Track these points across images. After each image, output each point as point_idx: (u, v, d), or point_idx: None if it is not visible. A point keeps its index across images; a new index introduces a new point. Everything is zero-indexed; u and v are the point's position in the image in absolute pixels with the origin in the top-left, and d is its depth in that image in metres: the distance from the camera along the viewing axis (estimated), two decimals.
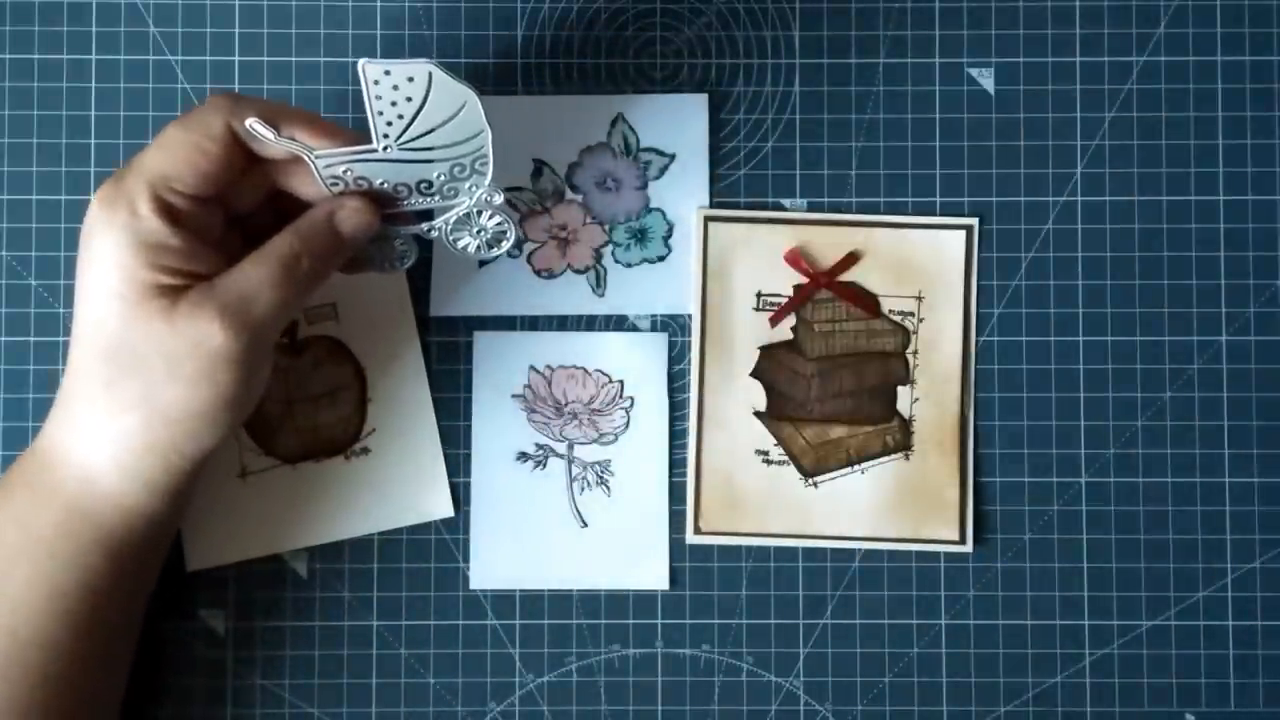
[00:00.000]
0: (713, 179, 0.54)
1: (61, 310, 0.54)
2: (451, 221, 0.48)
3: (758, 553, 0.54)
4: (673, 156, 0.54)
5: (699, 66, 0.55)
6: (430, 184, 0.46)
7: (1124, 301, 0.54)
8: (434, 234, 0.49)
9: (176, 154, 0.44)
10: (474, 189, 0.47)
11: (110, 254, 0.43)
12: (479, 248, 0.49)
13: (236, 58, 0.54)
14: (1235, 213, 0.55)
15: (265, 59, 0.54)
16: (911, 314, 0.54)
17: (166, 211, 0.43)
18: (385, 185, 0.46)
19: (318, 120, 0.45)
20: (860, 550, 0.54)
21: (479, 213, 0.48)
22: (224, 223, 0.46)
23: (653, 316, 0.54)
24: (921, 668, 0.54)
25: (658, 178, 0.54)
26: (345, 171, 0.45)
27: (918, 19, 0.55)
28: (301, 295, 0.45)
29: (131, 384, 0.44)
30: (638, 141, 0.54)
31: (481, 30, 0.55)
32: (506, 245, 0.49)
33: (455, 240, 0.49)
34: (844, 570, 0.54)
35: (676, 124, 0.54)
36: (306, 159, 0.45)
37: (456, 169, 0.46)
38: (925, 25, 0.55)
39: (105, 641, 0.47)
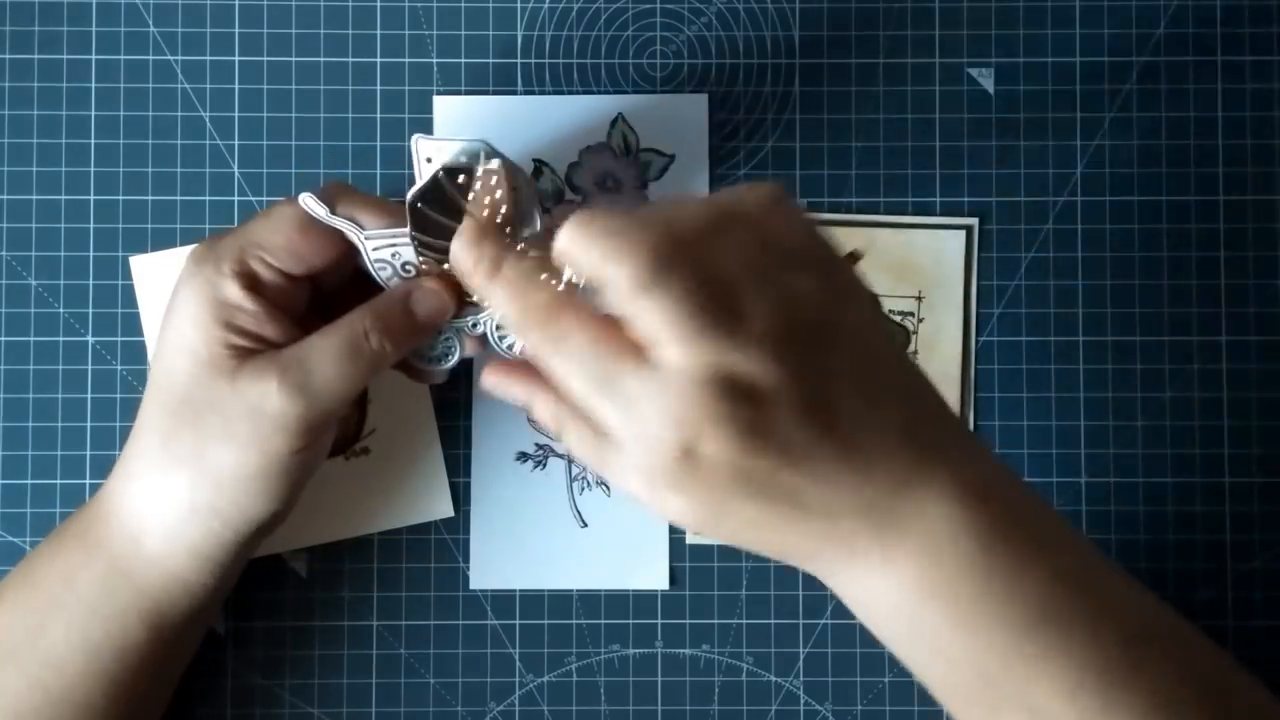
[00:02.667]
0: (713, 179, 0.54)
1: (62, 310, 0.54)
2: (498, 316, 0.46)
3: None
4: (673, 156, 0.54)
5: (699, 66, 0.55)
6: None
7: (1124, 301, 0.54)
8: (479, 328, 0.47)
9: (276, 227, 0.44)
10: None
11: (189, 309, 0.44)
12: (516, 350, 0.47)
13: (236, 58, 0.54)
14: (1235, 213, 0.55)
15: (265, 59, 0.54)
16: (911, 314, 0.54)
17: (248, 277, 0.44)
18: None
19: (383, 205, 0.45)
20: None
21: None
22: (310, 298, 0.46)
23: None
24: None
25: (658, 178, 0.54)
26: (393, 256, 0.45)
27: (918, 19, 0.55)
28: (366, 372, 0.44)
29: (186, 439, 0.44)
30: (638, 141, 0.54)
31: (481, 30, 0.55)
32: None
33: (501, 338, 0.47)
34: None
35: (676, 124, 0.54)
36: (354, 239, 0.44)
37: None
38: (925, 25, 0.55)
39: (136, 706, 0.47)
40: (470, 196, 0.42)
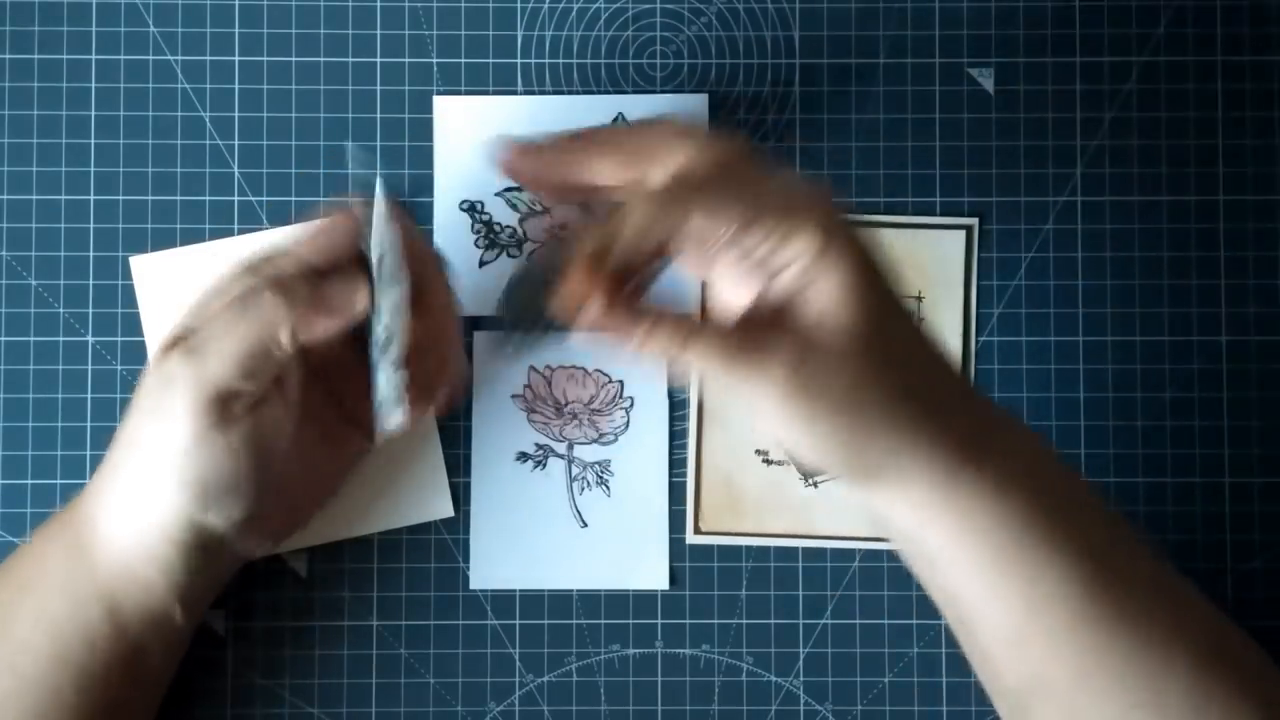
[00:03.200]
0: None
1: (61, 310, 0.54)
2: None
3: (758, 553, 0.54)
4: None
5: (699, 66, 0.55)
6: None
7: (1124, 301, 0.54)
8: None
9: (225, 362, 0.44)
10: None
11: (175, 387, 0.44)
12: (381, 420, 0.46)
13: (236, 58, 0.54)
14: (1235, 213, 0.55)
15: (265, 59, 0.54)
16: (911, 314, 0.54)
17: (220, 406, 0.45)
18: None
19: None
20: (860, 550, 0.54)
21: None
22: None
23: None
24: (921, 668, 0.54)
25: None
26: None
27: (918, 19, 0.55)
28: (253, 326, 0.43)
29: (130, 422, 0.45)
30: None
31: (481, 30, 0.55)
32: (394, 424, 0.46)
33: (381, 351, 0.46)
34: (844, 570, 0.54)
35: None
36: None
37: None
38: (925, 25, 0.55)
39: (110, 709, 0.46)
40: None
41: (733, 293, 0.44)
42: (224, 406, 0.44)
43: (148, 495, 0.45)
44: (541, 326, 0.43)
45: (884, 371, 0.40)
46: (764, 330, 0.41)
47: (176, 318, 0.45)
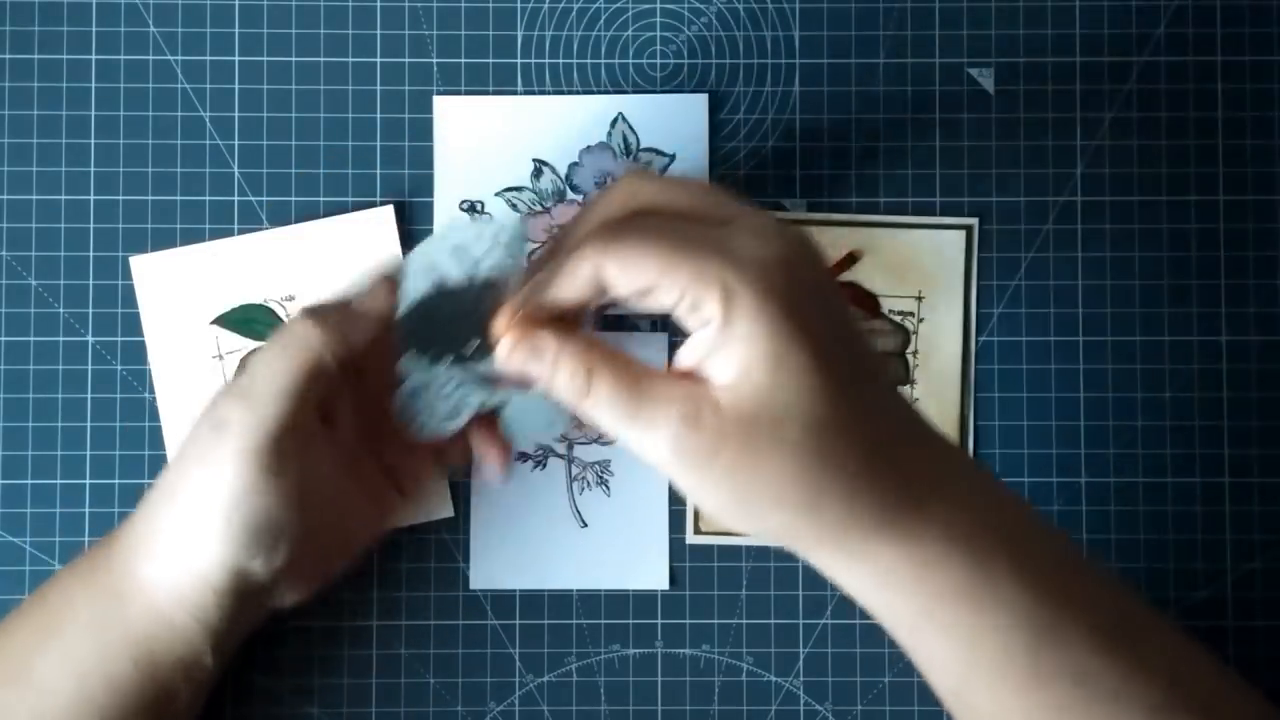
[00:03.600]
0: (713, 179, 0.54)
1: (61, 310, 0.54)
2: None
3: (758, 553, 0.54)
4: (673, 156, 0.54)
5: (699, 66, 0.55)
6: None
7: (1124, 301, 0.54)
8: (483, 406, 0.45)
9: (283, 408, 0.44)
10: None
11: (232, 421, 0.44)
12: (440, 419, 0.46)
13: (236, 58, 0.54)
14: (1235, 213, 0.55)
15: (265, 59, 0.54)
16: (911, 314, 0.54)
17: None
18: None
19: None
20: None
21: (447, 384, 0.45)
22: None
23: (652, 316, 0.54)
24: None
25: None
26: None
27: (918, 19, 0.55)
28: (301, 367, 0.44)
29: (174, 469, 0.45)
30: (638, 141, 0.54)
31: (481, 30, 0.55)
32: (459, 421, 0.45)
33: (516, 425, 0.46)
34: None
35: (676, 124, 0.54)
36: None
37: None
38: (925, 25, 0.55)
39: None
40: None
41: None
42: (278, 449, 0.43)
43: (194, 543, 0.44)
44: (455, 350, 0.43)
45: (781, 449, 0.38)
46: (661, 382, 0.39)
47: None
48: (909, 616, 0.41)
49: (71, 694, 0.45)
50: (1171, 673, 0.41)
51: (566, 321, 0.41)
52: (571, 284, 0.40)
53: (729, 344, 0.38)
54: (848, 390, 0.39)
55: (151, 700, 0.46)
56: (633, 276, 0.39)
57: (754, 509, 0.39)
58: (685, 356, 0.40)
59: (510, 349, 0.41)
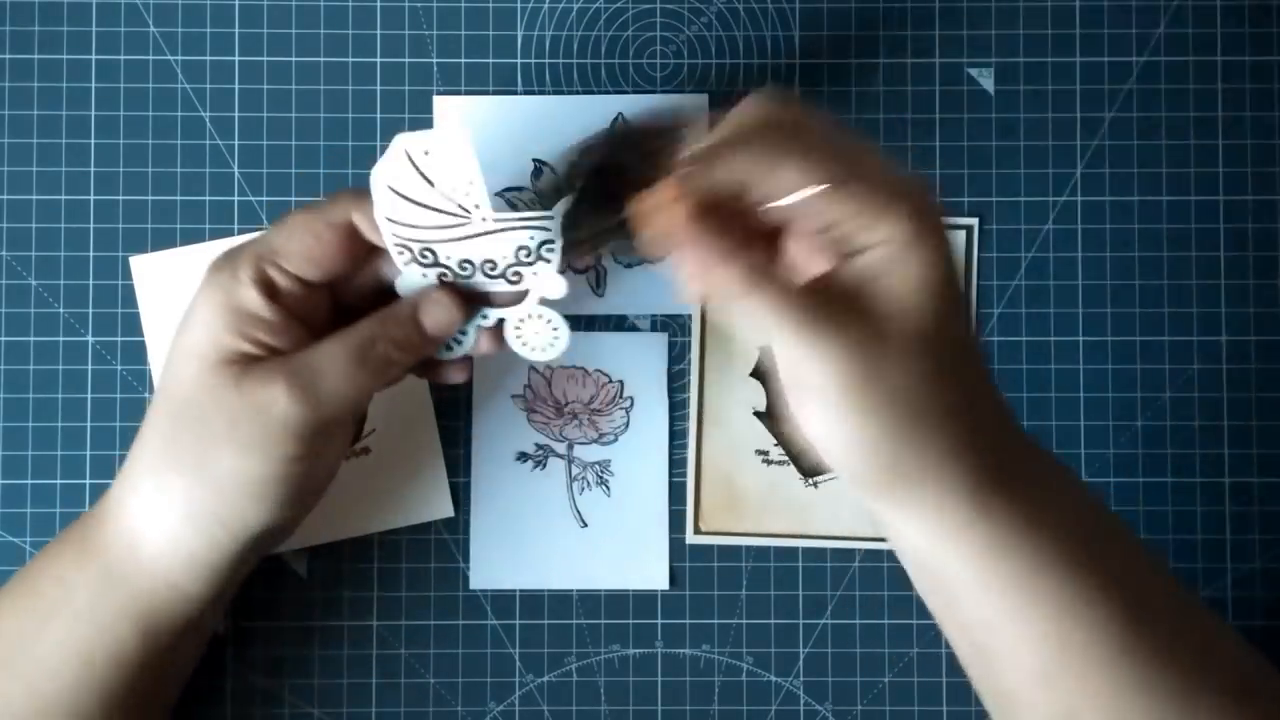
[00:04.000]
0: None
1: (61, 310, 0.54)
2: (517, 318, 0.46)
3: (758, 553, 0.54)
4: None
5: (699, 66, 0.55)
6: (495, 264, 0.45)
7: (1124, 301, 0.54)
8: (489, 320, 0.46)
9: (293, 234, 0.44)
10: (536, 275, 0.45)
11: (203, 315, 0.43)
12: (531, 350, 0.47)
13: (236, 58, 0.54)
14: (1235, 213, 0.55)
15: (265, 59, 0.54)
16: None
17: (265, 284, 0.43)
18: (449, 262, 0.45)
19: None
20: (860, 550, 0.54)
21: (537, 316, 0.46)
22: (332, 310, 0.46)
23: (652, 316, 0.54)
24: (921, 668, 0.54)
25: None
26: (418, 249, 0.44)
27: (918, 19, 0.55)
28: (372, 380, 0.44)
29: (187, 443, 0.43)
30: None
31: (481, 30, 0.55)
32: (553, 354, 0.46)
33: (518, 335, 0.46)
34: (844, 570, 0.54)
35: None
36: (378, 219, 0.43)
37: (523, 252, 0.44)
38: (925, 25, 0.55)
39: (133, 715, 0.46)
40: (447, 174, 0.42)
41: (805, 266, 0.41)
42: (326, 430, 0.44)
43: (222, 516, 0.44)
44: (608, 217, 0.43)
45: (941, 382, 0.38)
46: (835, 304, 0.38)
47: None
48: (1015, 577, 0.40)
49: (74, 674, 0.45)
50: (1218, 660, 0.42)
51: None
52: (741, 170, 0.38)
53: (910, 265, 0.38)
54: (977, 342, 0.42)
55: (155, 665, 0.46)
56: (814, 174, 0.38)
57: (917, 432, 0.39)
58: (850, 272, 0.39)
59: (682, 218, 0.38)
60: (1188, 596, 0.43)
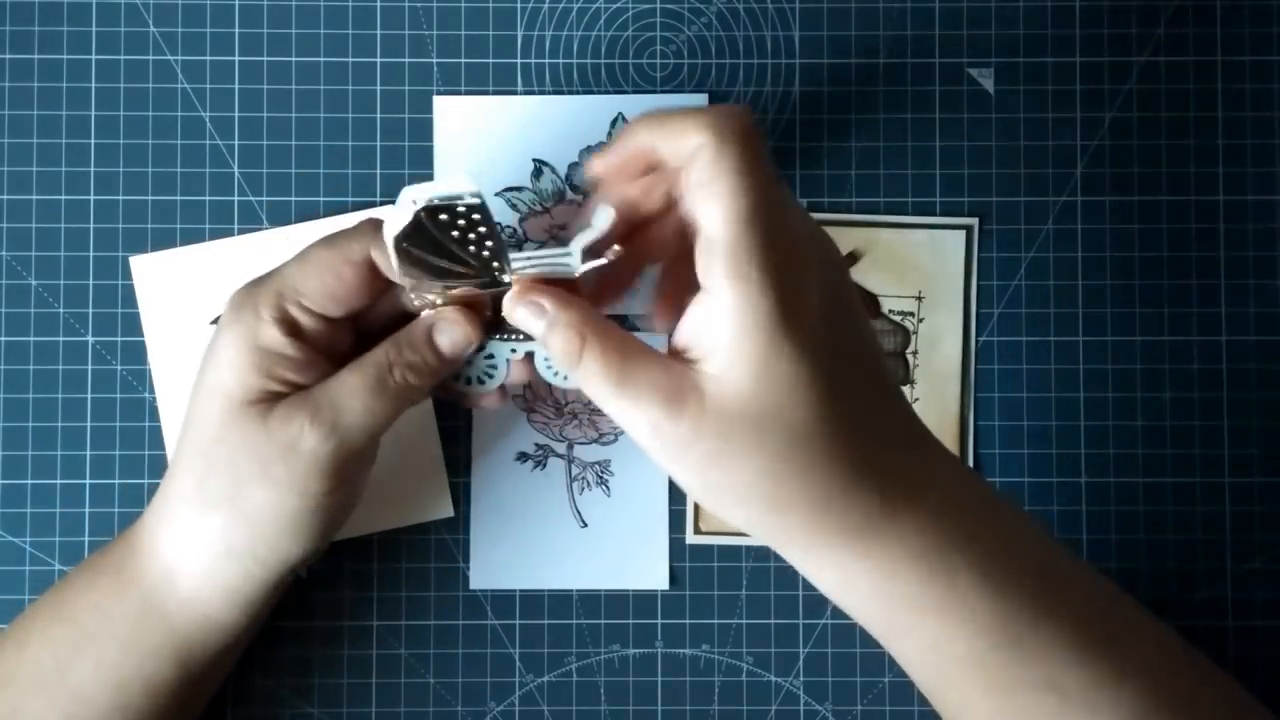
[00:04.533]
0: None
1: (61, 310, 0.54)
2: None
3: (758, 553, 0.54)
4: None
5: (699, 66, 0.55)
6: None
7: (1124, 301, 0.54)
8: (518, 352, 0.46)
9: (313, 271, 0.44)
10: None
11: (228, 353, 0.43)
12: (565, 379, 0.46)
13: (236, 58, 0.54)
14: (1235, 213, 0.55)
15: (265, 59, 0.54)
16: (911, 314, 0.54)
17: (288, 323, 0.43)
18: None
19: None
20: None
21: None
22: (354, 340, 0.46)
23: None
24: None
25: None
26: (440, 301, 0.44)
27: (918, 19, 0.55)
28: (394, 407, 0.44)
29: (221, 482, 0.44)
30: None
31: (481, 30, 0.55)
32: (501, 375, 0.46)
33: (549, 364, 0.46)
34: None
35: None
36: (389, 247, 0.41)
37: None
38: (925, 25, 0.55)
39: None
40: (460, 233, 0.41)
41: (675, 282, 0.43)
42: (354, 459, 0.44)
43: (250, 555, 0.44)
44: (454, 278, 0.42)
45: (758, 451, 0.38)
46: (649, 362, 0.39)
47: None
48: (879, 620, 0.42)
49: (109, 700, 0.45)
50: (1150, 678, 0.41)
51: (568, 286, 0.42)
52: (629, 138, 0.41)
53: (717, 322, 0.38)
54: (837, 400, 0.39)
55: (189, 694, 0.47)
56: (653, 130, 0.40)
57: (722, 500, 0.40)
58: (680, 334, 0.40)
59: (513, 305, 0.42)
60: (1103, 606, 0.43)
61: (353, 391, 0.43)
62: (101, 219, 0.54)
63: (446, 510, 0.54)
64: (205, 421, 0.44)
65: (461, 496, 0.54)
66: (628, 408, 0.39)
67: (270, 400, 0.43)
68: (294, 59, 0.54)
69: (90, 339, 0.54)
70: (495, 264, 0.41)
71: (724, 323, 0.38)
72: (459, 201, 0.38)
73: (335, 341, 0.45)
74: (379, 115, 0.54)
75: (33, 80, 0.54)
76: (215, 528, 0.44)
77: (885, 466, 0.40)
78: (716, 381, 0.38)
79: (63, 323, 0.54)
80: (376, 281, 0.44)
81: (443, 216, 0.39)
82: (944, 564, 0.40)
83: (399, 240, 0.40)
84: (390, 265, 0.42)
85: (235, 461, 0.43)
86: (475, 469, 0.54)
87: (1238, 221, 0.54)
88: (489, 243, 0.40)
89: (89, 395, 0.53)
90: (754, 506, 0.39)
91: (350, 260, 0.43)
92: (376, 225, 0.43)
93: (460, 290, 0.43)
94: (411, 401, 0.45)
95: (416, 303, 0.45)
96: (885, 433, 0.41)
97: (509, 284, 0.42)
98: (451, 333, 0.45)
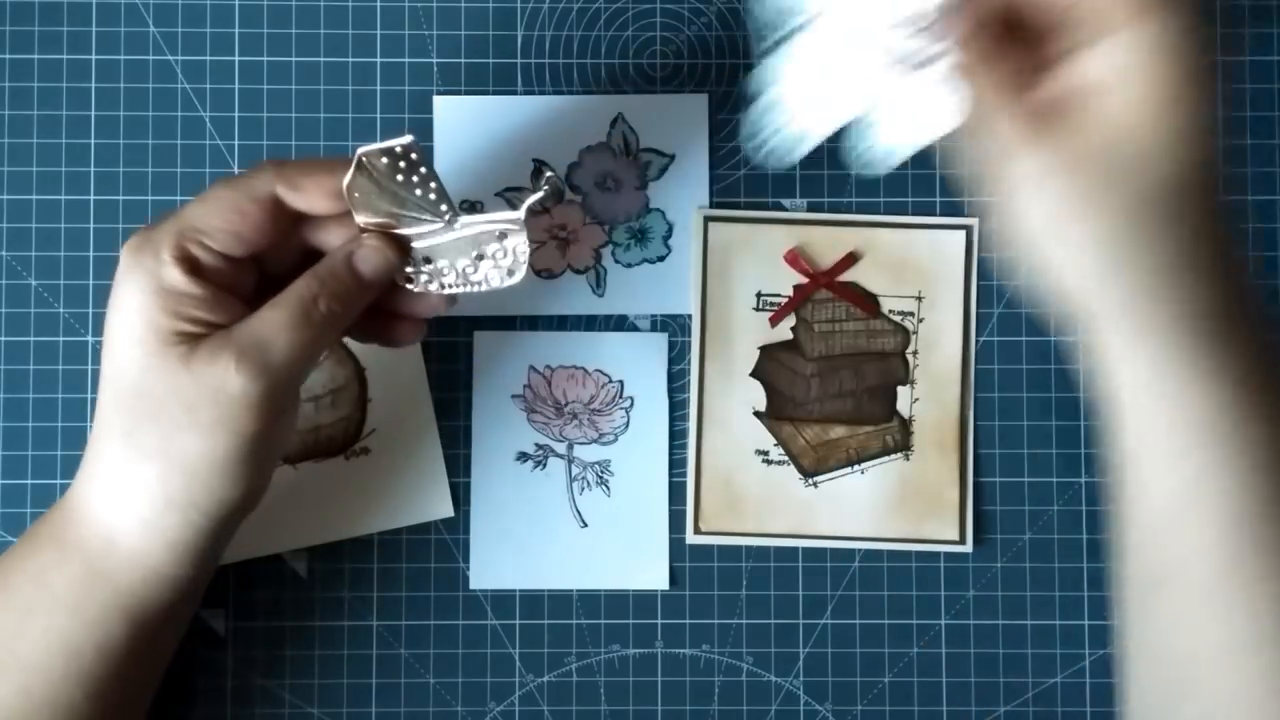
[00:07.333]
0: (713, 179, 0.54)
1: (61, 310, 0.54)
2: (473, 251, 0.46)
3: (758, 553, 0.54)
4: (672, 156, 0.54)
5: (699, 66, 0.55)
6: (473, 265, 0.47)
7: None
8: (443, 265, 0.46)
9: (213, 209, 0.43)
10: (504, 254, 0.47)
11: (132, 300, 0.43)
12: (501, 276, 0.47)
13: (236, 58, 0.54)
14: (1235, 212, 0.54)
15: (265, 59, 0.54)
16: (911, 314, 0.54)
17: (189, 262, 0.43)
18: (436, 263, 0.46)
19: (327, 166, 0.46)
20: (860, 550, 0.54)
21: (501, 235, 0.46)
22: (258, 280, 0.46)
23: (652, 316, 0.54)
24: (921, 668, 0.54)
25: (657, 178, 0.54)
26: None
27: None
28: (320, 339, 0.44)
29: (149, 433, 0.43)
30: (638, 141, 0.54)
31: (481, 30, 0.55)
32: (521, 274, 0.47)
33: (471, 273, 0.47)
34: (844, 570, 0.54)
35: (676, 124, 0.54)
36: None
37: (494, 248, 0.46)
38: None
39: (119, 703, 0.46)
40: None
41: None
42: (289, 392, 0.44)
43: (191, 504, 0.44)
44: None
45: (1188, 189, 0.39)
46: (1061, 107, 0.40)
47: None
48: (1182, 424, 0.39)
49: (63, 667, 0.44)
50: None
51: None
52: None
53: (1132, 58, 0.39)
54: (1210, 161, 0.39)
55: (143, 652, 0.46)
56: None
57: (1147, 248, 0.39)
58: (1075, 74, 0.40)
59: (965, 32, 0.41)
60: None
61: (278, 327, 0.43)
62: (101, 219, 0.54)
63: (446, 510, 0.54)
64: (123, 373, 0.43)
65: (461, 496, 0.54)
66: (1057, 128, 0.39)
67: (187, 342, 0.43)
68: (294, 59, 0.54)
69: (90, 339, 0.54)
70: (443, 206, 0.45)
71: (1143, 48, 0.38)
72: (395, 145, 0.43)
73: (239, 283, 0.44)
74: (379, 115, 0.54)
75: (33, 80, 0.54)
76: (151, 481, 0.43)
77: (1235, 263, 0.40)
78: (1127, 109, 0.39)
79: (63, 323, 0.54)
80: (281, 220, 0.44)
81: (384, 160, 0.43)
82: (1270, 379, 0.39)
83: (349, 186, 0.43)
84: (298, 197, 0.44)
85: (161, 411, 0.43)
86: (475, 469, 0.54)
87: (1238, 221, 0.54)
88: (433, 183, 0.44)
89: (89, 395, 0.53)
90: (1110, 247, 0.39)
91: (254, 198, 0.43)
92: (279, 164, 0.44)
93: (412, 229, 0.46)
94: (335, 330, 0.45)
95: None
96: (1229, 231, 0.41)
97: (455, 225, 0.45)
98: (373, 259, 0.45)
